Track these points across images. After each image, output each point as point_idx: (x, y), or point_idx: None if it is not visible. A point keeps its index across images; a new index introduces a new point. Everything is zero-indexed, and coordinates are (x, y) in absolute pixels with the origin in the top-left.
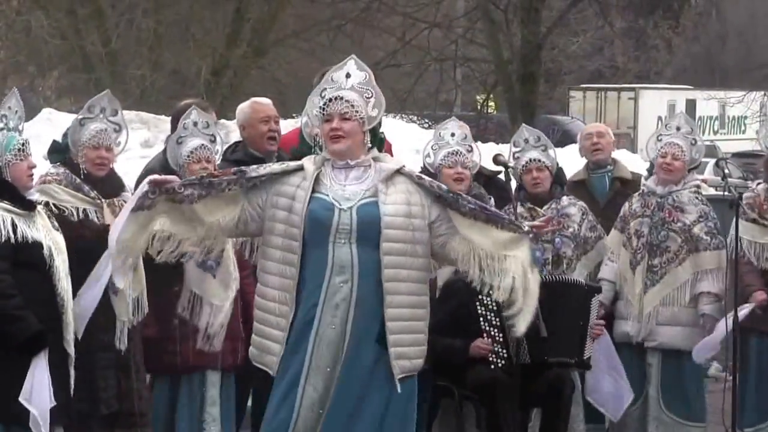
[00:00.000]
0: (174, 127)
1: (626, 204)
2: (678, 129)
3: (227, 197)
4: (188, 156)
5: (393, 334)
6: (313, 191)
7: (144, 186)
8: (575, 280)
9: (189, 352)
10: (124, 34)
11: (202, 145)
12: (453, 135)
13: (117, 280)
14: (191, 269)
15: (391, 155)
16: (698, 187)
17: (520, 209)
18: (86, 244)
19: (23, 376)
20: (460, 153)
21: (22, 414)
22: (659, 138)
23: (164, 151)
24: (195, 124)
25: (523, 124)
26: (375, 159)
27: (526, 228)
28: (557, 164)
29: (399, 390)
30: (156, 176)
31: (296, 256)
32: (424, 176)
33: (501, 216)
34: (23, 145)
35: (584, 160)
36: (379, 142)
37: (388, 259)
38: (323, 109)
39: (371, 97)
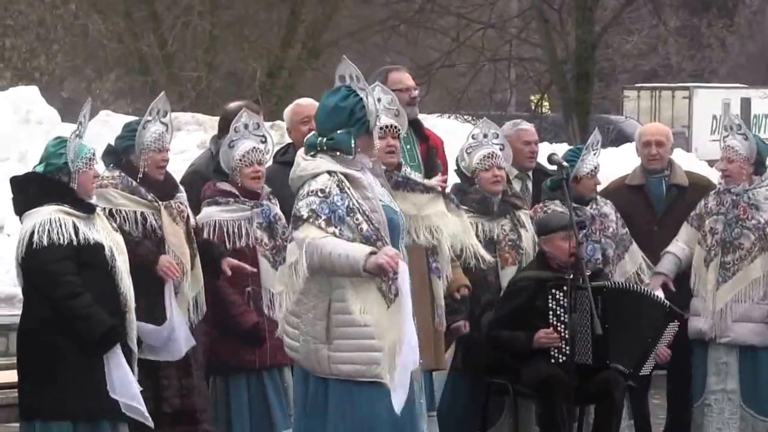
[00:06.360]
0: (221, 128)
1: (702, 201)
2: (731, 128)
3: None
4: (240, 160)
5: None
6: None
7: None
8: (661, 299)
9: (267, 349)
10: (179, 37)
11: (254, 147)
12: (486, 136)
13: None
14: (266, 270)
15: (444, 154)
16: None
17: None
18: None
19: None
20: (495, 155)
21: (114, 408)
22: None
23: (211, 151)
24: (246, 126)
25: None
26: None
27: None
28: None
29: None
30: None
31: None
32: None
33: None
34: (93, 154)
35: (639, 159)
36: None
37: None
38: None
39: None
